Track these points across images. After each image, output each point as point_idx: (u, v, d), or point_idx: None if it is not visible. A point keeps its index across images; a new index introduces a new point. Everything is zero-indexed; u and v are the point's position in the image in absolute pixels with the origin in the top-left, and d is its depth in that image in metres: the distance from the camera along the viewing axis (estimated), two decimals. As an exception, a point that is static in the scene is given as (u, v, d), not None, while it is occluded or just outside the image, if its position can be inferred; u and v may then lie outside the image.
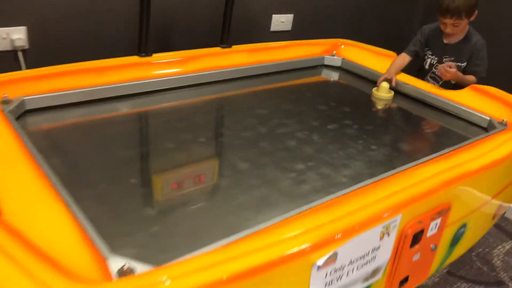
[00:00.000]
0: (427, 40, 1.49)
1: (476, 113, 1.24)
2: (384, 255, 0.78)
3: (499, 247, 1.52)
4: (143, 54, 1.25)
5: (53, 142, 0.97)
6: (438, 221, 0.84)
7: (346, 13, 2.00)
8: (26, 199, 0.71)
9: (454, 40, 1.44)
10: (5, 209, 0.67)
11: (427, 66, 1.51)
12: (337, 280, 0.72)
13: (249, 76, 1.39)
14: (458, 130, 1.23)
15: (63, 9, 1.31)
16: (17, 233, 0.60)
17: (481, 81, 1.41)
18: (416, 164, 0.91)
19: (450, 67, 1.35)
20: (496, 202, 1.09)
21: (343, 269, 0.72)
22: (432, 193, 0.81)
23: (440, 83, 1.47)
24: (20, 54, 1.28)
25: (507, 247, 1.53)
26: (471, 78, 1.41)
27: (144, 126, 1.12)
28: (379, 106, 1.35)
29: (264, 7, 1.73)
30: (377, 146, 1.07)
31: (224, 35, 1.43)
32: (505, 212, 1.62)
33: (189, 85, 1.27)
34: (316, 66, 1.56)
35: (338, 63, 1.56)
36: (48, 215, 0.68)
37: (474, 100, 1.28)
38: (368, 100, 1.36)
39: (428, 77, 1.51)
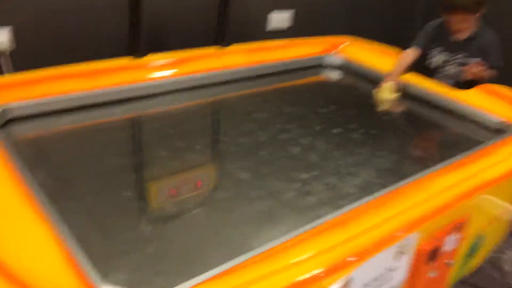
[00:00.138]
0: (434, 38, 1.42)
1: (488, 115, 1.17)
2: (399, 274, 0.71)
3: (510, 252, 1.47)
4: (135, 54, 1.17)
5: (39, 152, 0.90)
6: (455, 236, 0.78)
7: (346, 9, 1.93)
8: (6, 219, 0.64)
9: (463, 36, 1.37)
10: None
11: (434, 65, 1.44)
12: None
13: (247, 78, 1.32)
14: (469, 133, 1.17)
15: (51, 6, 1.23)
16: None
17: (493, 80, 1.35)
18: (429, 173, 0.85)
19: (477, 66, 1.29)
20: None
21: (356, 293, 0.66)
22: (449, 207, 0.75)
23: (454, 82, 1.40)
24: (1, 58, 1.20)
25: (517, 252, 1.47)
26: (491, 73, 1.35)
27: (136, 133, 1.05)
28: (384, 108, 1.29)
29: (261, 2, 1.65)
30: (385, 152, 1.01)
31: (221, 34, 1.36)
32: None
33: (184, 88, 1.20)
34: (316, 65, 1.49)
35: (339, 62, 1.49)
36: (31, 237, 0.61)
37: (485, 100, 1.21)
38: (372, 102, 1.30)
39: (438, 76, 1.44)
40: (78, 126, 1.01)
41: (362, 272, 0.63)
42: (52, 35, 1.25)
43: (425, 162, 0.96)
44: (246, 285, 0.54)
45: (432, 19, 1.44)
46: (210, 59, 1.27)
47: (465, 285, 1.31)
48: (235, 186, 0.84)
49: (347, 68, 1.47)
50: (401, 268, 0.71)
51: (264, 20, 1.69)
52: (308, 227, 0.70)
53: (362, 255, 0.62)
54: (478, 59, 1.35)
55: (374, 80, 1.38)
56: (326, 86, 1.41)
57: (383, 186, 0.83)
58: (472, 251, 0.92)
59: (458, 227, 0.78)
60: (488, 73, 1.32)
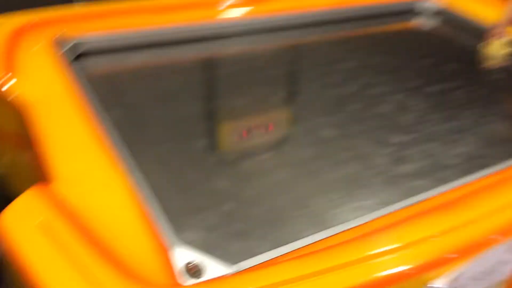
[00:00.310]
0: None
1: None
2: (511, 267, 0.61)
3: None
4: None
5: (111, 90, 0.84)
6: None
7: None
8: (81, 162, 0.60)
9: None
10: (58, 175, 0.56)
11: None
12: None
13: (330, 21, 1.18)
14: None
15: None
16: (69, 212, 0.49)
17: None
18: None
19: None
20: None
21: None
22: None
23: None
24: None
25: None
26: None
27: (211, 77, 0.97)
28: (492, 65, 1.12)
29: None
30: (495, 117, 0.87)
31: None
32: None
33: (262, 29, 1.09)
34: (409, 11, 1.32)
35: (435, 8, 1.31)
36: (106, 184, 0.57)
37: None
38: (477, 58, 1.13)
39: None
40: (151, 64, 0.94)
41: (473, 266, 0.53)
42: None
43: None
44: (344, 265, 0.47)
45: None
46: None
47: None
48: (319, 144, 0.76)
49: (445, 16, 1.29)
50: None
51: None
52: (406, 202, 0.60)
53: (475, 247, 0.52)
54: None
55: (477, 31, 1.19)
56: (420, 35, 1.24)
57: (494, 158, 0.71)
58: None
59: None
60: None
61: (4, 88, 0.73)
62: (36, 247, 0.43)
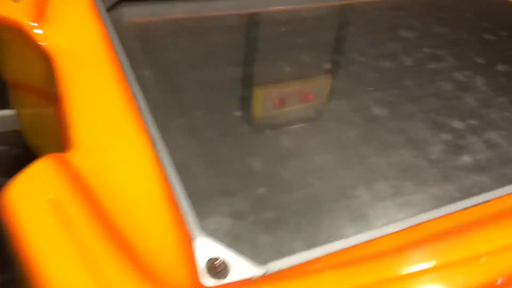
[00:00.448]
0: None
1: None
2: None
3: None
4: None
5: (148, 45, 0.78)
6: None
7: None
8: (104, 129, 0.54)
9: None
10: (77, 143, 0.51)
11: None
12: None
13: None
14: None
15: None
16: (84, 189, 0.44)
17: None
18: None
19: None
20: None
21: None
22: None
23: None
24: None
25: None
26: None
27: (255, 36, 0.89)
28: None
29: None
30: None
31: None
32: None
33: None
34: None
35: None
36: (128, 158, 0.51)
37: None
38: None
39: None
40: (193, 18, 0.87)
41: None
42: None
43: None
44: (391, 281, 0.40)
45: None
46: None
47: None
48: (367, 123, 0.67)
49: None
50: None
51: None
52: (465, 204, 0.52)
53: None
54: None
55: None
56: (492, 4, 1.10)
57: None
58: None
59: None
60: None
61: (34, 35, 0.67)
62: (42, 228, 0.38)
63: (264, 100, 0.71)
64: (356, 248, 0.45)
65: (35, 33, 0.66)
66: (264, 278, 0.40)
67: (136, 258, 0.38)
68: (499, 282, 0.42)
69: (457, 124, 0.69)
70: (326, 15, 0.95)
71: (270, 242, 0.48)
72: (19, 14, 0.67)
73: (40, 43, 0.65)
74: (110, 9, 0.81)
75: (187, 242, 0.41)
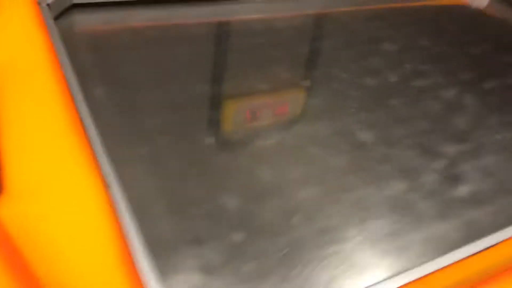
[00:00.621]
0: None
1: None
2: None
3: None
4: None
5: (101, 58, 0.68)
6: None
7: None
8: (43, 166, 0.45)
9: None
10: (12, 184, 0.41)
11: None
12: None
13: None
14: None
15: None
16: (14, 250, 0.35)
17: None
18: None
19: None
20: None
21: None
22: None
23: None
24: None
25: None
26: None
27: (225, 48, 0.81)
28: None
29: None
30: None
31: None
32: None
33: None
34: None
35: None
36: (74, 201, 0.42)
37: None
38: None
39: None
40: (155, 26, 0.77)
41: None
42: None
43: None
44: None
45: None
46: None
47: None
48: (355, 150, 0.60)
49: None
50: None
51: None
52: (467, 251, 0.46)
53: None
54: None
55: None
56: (475, 16, 1.06)
57: None
58: None
59: None
60: None
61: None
62: None
63: (237, 123, 0.62)
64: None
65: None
66: None
67: None
68: None
69: (449, 148, 0.62)
70: (303, 25, 0.87)
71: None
72: None
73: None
74: (58, 17, 0.71)
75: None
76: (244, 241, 0.45)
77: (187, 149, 0.55)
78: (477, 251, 0.45)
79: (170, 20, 0.80)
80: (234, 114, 0.65)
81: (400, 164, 0.59)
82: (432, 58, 0.82)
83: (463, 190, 0.57)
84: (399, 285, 0.40)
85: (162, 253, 0.41)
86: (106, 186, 0.43)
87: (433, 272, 0.42)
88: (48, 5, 0.68)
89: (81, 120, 0.49)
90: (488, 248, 0.46)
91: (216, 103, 0.65)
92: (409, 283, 0.41)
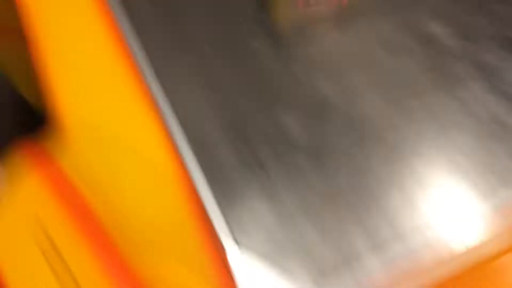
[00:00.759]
0: None
1: None
2: None
3: None
4: None
5: None
6: None
7: None
8: (99, 102, 0.43)
9: None
10: (64, 131, 0.40)
11: None
12: None
13: None
14: None
15: None
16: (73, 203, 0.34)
17: None
18: None
19: None
20: None
21: None
22: None
23: None
24: None
25: None
26: None
27: None
28: None
29: None
30: None
31: None
32: None
33: None
34: None
35: None
36: (137, 147, 0.41)
37: None
38: None
39: None
40: None
41: None
42: None
43: None
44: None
45: None
46: None
47: None
48: (421, 46, 0.53)
49: None
50: None
51: None
52: None
53: None
54: None
55: None
56: None
57: None
58: None
59: None
60: None
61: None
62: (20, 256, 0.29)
63: (289, 17, 0.56)
64: None
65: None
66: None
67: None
68: None
69: None
70: None
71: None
72: None
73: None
74: None
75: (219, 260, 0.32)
76: (309, 165, 0.43)
77: (234, 55, 0.50)
78: None
79: None
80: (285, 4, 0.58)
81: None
82: None
83: None
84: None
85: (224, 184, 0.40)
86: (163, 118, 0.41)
87: None
88: None
89: (132, 49, 0.45)
90: None
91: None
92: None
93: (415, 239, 0.38)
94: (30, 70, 0.62)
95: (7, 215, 0.31)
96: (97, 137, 0.39)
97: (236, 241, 0.35)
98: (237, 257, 0.33)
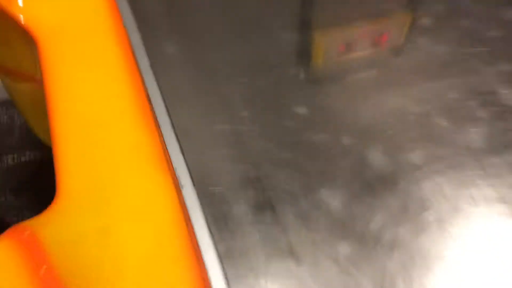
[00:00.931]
0: None
1: None
2: None
3: None
4: None
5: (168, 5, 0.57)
6: None
7: None
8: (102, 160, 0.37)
9: None
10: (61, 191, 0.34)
11: None
12: None
13: None
14: None
15: None
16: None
17: None
18: None
19: None
20: None
21: None
22: None
23: None
24: None
25: None
26: None
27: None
28: None
29: None
30: None
31: None
32: None
33: None
34: None
35: None
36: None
37: None
38: None
39: None
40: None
41: None
42: None
43: None
44: None
45: None
46: None
47: None
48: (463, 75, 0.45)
49: None
50: None
51: None
52: None
53: None
54: None
55: None
56: None
57: None
58: None
59: None
60: None
61: (10, 7, 0.49)
62: None
63: (330, 57, 0.49)
64: None
65: (12, 4, 0.47)
66: None
67: None
68: None
69: None
70: None
71: None
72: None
73: (17, 18, 0.46)
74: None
75: None
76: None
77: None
78: None
79: None
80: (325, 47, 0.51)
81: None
82: None
83: None
84: None
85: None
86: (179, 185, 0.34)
87: None
88: None
89: (147, 90, 0.40)
90: None
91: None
92: None
93: None
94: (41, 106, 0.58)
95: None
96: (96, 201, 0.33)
97: None
98: None
